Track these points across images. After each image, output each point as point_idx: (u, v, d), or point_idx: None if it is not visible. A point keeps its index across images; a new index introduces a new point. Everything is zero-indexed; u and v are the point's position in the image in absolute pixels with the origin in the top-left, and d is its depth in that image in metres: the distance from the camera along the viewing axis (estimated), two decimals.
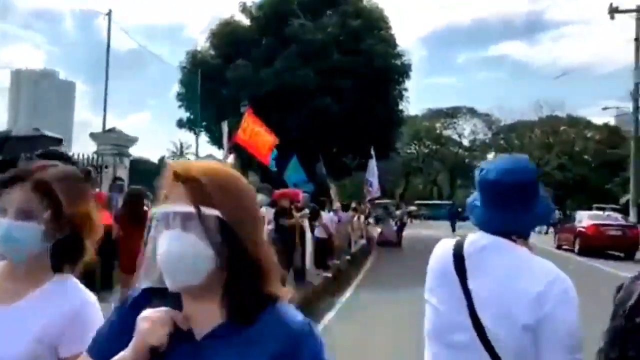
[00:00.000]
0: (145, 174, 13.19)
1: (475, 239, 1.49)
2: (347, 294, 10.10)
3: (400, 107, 23.01)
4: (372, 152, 19.50)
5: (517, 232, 1.46)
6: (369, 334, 7.04)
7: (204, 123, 23.09)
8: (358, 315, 8.31)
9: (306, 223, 9.34)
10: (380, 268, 14.28)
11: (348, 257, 14.86)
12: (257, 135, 13.24)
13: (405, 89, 22.97)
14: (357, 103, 19.41)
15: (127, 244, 5.67)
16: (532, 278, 1.35)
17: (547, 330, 1.30)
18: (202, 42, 24.17)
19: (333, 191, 26.55)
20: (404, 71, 21.83)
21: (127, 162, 9.97)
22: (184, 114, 23.60)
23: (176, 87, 23.69)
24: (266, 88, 18.77)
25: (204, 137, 25.15)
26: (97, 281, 7.38)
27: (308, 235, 9.04)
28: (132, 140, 10.19)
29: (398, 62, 21.48)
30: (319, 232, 11.33)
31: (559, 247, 19.89)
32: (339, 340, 6.77)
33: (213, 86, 20.44)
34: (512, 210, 1.43)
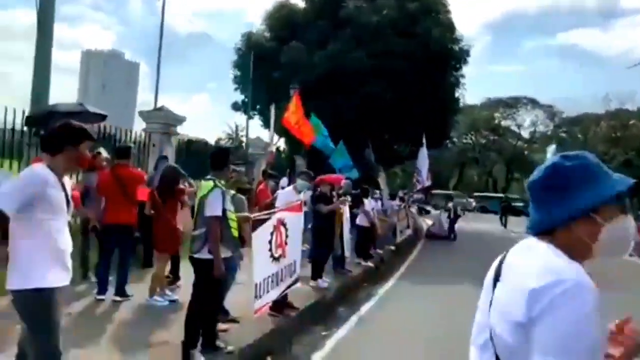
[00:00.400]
0: (196, 154, 13.39)
1: (520, 242, 1.50)
2: (388, 284, 9.84)
3: (457, 94, 22.21)
4: (424, 140, 18.98)
5: (550, 228, 1.42)
6: (406, 326, 6.82)
7: (257, 106, 23.20)
8: (397, 306, 8.07)
9: (346, 210, 9.11)
10: (425, 260, 13.88)
11: (392, 247, 14.56)
12: (303, 118, 13.13)
13: (462, 76, 22.15)
14: (412, 88, 18.85)
15: (160, 222, 5.65)
16: (534, 275, 1.30)
17: (535, 331, 1.26)
18: (258, 25, 24.16)
19: (382, 179, 26.16)
20: (462, 57, 20.99)
21: (174, 140, 10.05)
22: (240, 97, 23.79)
23: (233, 71, 23.80)
24: (319, 71, 18.55)
25: (257, 120, 25.36)
26: (139, 260, 7.52)
27: (347, 222, 8.80)
28: (180, 120, 10.25)
29: (456, 47, 20.66)
30: (361, 220, 11.08)
31: None
32: (375, 331, 6.61)
33: (266, 69, 20.43)
34: (544, 208, 1.43)
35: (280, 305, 5.99)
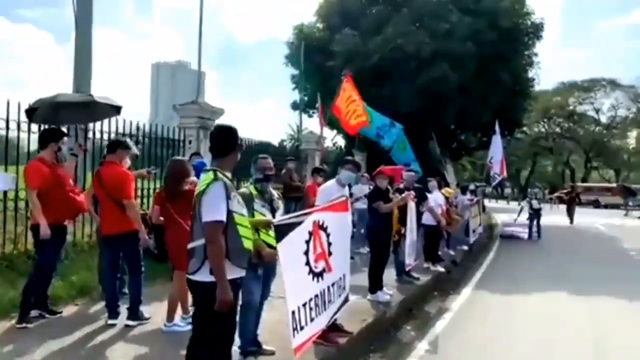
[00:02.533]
0: (243, 155, 12.41)
1: None
2: (464, 294, 8.28)
3: (530, 74, 19.94)
4: (497, 127, 17.06)
5: None
6: (491, 350, 5.33)
7: (317, 104, 22.00)
8: (477, 325, 6.53)
9: (411, 207, 7.66)
10: (505, 263, 12.10)
11: (465, 248, 12.89)
12: (354, 104, 11.78)
13: (536, 54, 19.88)
14: (479, 71, 16.95)
15: (172, 231, 4.50)
16: None
17: None
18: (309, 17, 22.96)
19: (450, 172, 24.30)
20: (534, 32, 18.74)
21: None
22: (298, 96, 22.70)
23: (292, 70, 22.67)
24: (374, 58, 17.07)
25: (317, 118, 24.12)
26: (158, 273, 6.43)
27: (410, 222, 7.35)
28: (218, 113, 9.19)
29: (527, 21, 18.46)
30: (427, 219, 9.58)
31: None
32: None
33: (319, 60, 19.21)
34: None
35: (328, 329, 4.68)
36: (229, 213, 3.00)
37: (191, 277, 3.08)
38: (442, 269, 9.49)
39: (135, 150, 5.27)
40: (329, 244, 4.37)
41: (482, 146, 23.15)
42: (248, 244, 3.14)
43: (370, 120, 13.74)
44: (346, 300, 4.87)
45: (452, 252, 11.53)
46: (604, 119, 55.99)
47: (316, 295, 4.11)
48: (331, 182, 5.32)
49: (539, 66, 19.78)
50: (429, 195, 9.77)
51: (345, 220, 4.76)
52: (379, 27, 17.63)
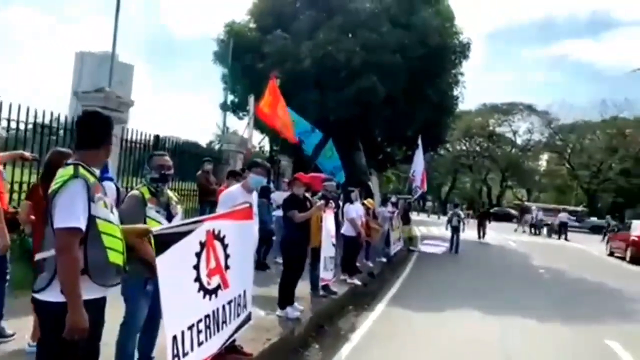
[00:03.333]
0: (187, 156, 11.62)
1: None
2: (379, 309, 8.02)
3: (455, 92, 20.41)
4: (419, 142, 17.28)
5: None
6: None
7: (247, 106, 21.20)
8: (388, 343, 6.24)
9: (329, 218, 7.30)
10: (422, 276, 12.08)
11: (384, 259, 12.77)
12: (282, 108, 11.35)
13: (462, 73, 20.36)
14: (406, 85, 17.05)
15: (38, 233, 3.79)
16: None
17: None
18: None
19: (374, 183, 24.36)
20: (461, 51, 19.22)
21: (118, 129, 8.18)
22: (230, 97, 21.81)
23: (222, 69, 21.67)
24: (305, 63, 16.71)
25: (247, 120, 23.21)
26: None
27: (324, 232, 6.96)
28: (127, 104, 8.39)
29: (455, 40, 18.89)
30: (347, 230, 9.28)
31: (611, 254, 20.47)
32: None
33: (249, 61, 18.58)
34: None
35: (224, 352, 4.15)
36: (91, 219, 2.42)
37: (37, 295, 2.45)
38: (358, 282, 9.21)
39: (2, 133, 4.48)
40: (227, 257, 3.80)
41: (407, 159, 23.47)
42: (115, 257, 2.56)
43: (294, 124, 13.38)
44: (248, 319, 4.32)
45: (370, 264, 11.34)
46: (519, 141, 59.48)
47: (207, 316, 3.54)
48: (236, 187, 4.79)
49: (464, 85, 20.32)
50: (350, 206, 9.49)
51: (247, 230, 4.21)
52: (311, 32, 17.32)
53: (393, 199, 16.09)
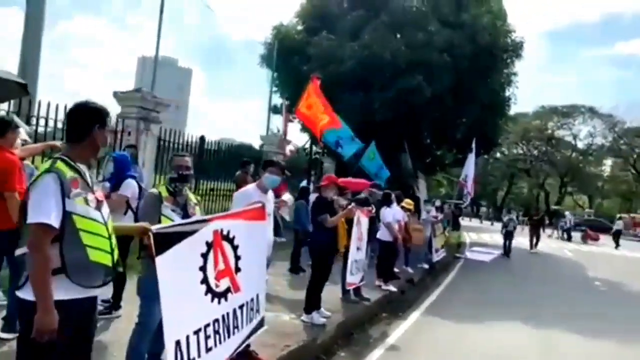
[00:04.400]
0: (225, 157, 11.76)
1: None
2: (413, 317, 7.68)
3: (507, 93, 19.56)
4: (473, 145, 16.59)
5: None
6: None
7: (293, 108, 21.22)
8: (418, 352, 5.92)
9: (362, 221, 7.05)
10: (465, 284, 11.58)
11: (426, 266, 12.34)
12: (319, 110, 11.17)
13: (514, 73, 19.49)
14: (454, 85, 16.48)
15: None
16: None
17: None
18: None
19: (421, 185, 23.68)
20: (514, 50, 18.39)
21: (155, 129, 8.28)
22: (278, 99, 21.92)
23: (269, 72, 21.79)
24: (350, 64, 16.50)
25: (297, 124, 23.19)
26: None
27: (358, 237, 6.72)
28: (163, 104, 8.48)
29: (507, 39, 18.10)
30: (382, 234, 8.98)
31: None
32: None
33: (295, 63, 18.57)
34: None
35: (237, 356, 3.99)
36: (67, 215, 2.31)
37: (17, 292, 2.38)
38: (394, 289, 8.89)
39: (26, 129, 4.54)
40: (237, 258, 3.62)
41: (457, 163, 22.77)
42: (99, 257, 2.44)
43: (341, 128, 13.23)
44: (260, 325, 4.10)
45: (410, 270, 10.96)
46: (580, 145, 56.68)
47: (216, 320, 3.37)
48: (251, 186, 4.65)
49: (516, 85, 19.41)
50: (387, 209, 9.19)
51: (260, 231, 4.02)
52: (356, 32, 17.10)
53: (437, 202, 15.57)
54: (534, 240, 20.61)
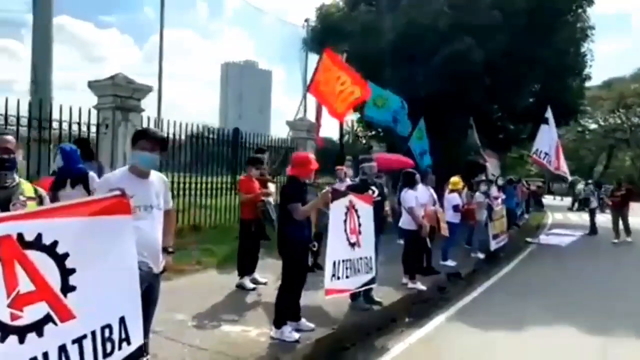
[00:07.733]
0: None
1: None
2: (429, 326, 6.18)
3: (583, 49, 16.85)
4: (548, 115, 14.13)
5: None
6: None
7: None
8: None
9: (356, 208, 5.70)
10: (521, 277, 9.76)
11: (481, 256, 10.62)
12: (338, 83, 9.85)
13: (591, 27, 16.77)
14: (509, 46, 14.30)
15: None
16: None
17: None
18: None
19: (493, 165, 21.34)
20: None
21: (136, 118, 7.51)
22: None
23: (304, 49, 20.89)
24: (390, 36, 14.92)
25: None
26: None
27: (332, 226, 5.31)
28: (142, 90, 7.78)
29: None
30: (405, 221, 7.53)
31: None
32: None
33: (333, 42, 17.27)
34: None
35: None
36: None
37: None
38: (422, 287, 7.41)
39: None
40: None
41: (534, 137, 20.23)
42: None
43: (385, 103, 11.99)
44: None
45: (451, 264, 9.33)
46: None
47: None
48: (120, 170, 3.52)
49: (591, 39, 16.62)
50: (409, 191, 7.68)
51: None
52: (396, 1, 15.43)
53: (500, 181, 13.61)
54: (619, 226, 14.60)
